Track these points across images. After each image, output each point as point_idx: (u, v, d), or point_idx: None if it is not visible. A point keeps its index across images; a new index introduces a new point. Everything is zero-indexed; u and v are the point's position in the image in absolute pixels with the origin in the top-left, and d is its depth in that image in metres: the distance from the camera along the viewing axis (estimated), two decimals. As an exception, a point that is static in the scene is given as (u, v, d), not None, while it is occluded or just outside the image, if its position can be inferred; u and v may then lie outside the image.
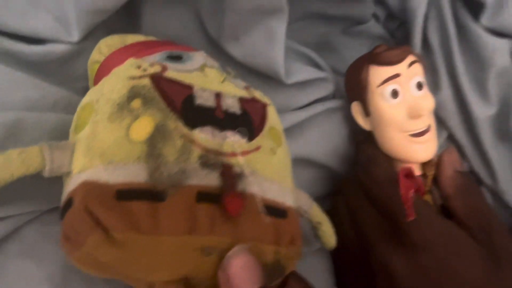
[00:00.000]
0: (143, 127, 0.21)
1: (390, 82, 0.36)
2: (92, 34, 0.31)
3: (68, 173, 0.21)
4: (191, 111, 0.23)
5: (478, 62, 0.42)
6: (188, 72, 0.26)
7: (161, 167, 0.21)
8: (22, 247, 0.25)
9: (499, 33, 0.42)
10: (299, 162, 0.37)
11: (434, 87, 0.43)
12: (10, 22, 0.28)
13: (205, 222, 0.21)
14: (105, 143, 0.20)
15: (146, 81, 0.23)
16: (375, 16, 0.49)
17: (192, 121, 0.23)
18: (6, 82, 0.27)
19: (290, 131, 0.37)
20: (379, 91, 0.36)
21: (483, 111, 0.42)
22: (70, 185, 0.20)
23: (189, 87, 0.24)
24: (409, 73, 0.36)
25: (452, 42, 0.42)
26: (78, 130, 0.22)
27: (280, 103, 0.35)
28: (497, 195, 0.45)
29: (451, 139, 0.44)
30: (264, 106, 0.28)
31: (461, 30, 0.43)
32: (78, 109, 0.23)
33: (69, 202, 0.20)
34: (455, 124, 0.43)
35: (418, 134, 0.35)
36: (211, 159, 0.22)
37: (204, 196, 0.21)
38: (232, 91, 0.27)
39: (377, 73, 0.36)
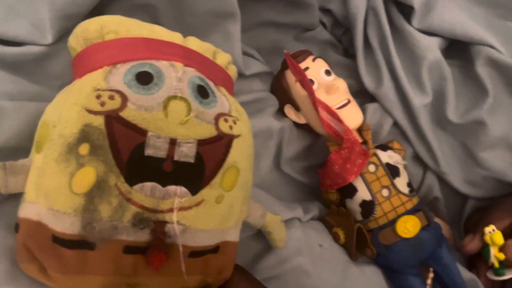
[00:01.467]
0: (84, 180, 0.23)
1: None
2: (65, 37, 0.34)
3: (22, 194, 0.24)
4: (137, 164, 0.23)
5: (413, 58, 0.48)
6: (149, 110, 0.24)
7: (94, 223, 0.23)
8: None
9: (429, 33, 0.48)
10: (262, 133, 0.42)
11: (378, 81, 0.49)
12: (-9, 27, 0.32)
13: (129, 267, 0.24)
14: (50, 186, 0.23)
15: (100, 121, 0.23)
16: (323, 24, 0.54)
17: (135, 176, 0.23)
18: (-13, 79, 0.31)
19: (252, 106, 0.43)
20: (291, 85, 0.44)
21: (420, 100, 0.47)
22: (21, 209, 0.24)
23: (142, 133, 0.24)
24: (315, 65, 0.44)
25: (389, 42, 0.48)
26: (37, 149, 0.25)
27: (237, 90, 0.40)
28: (441, 176, 0.50)
29: (396, 126, 0.49)
30: (229, 142, 0.27)
31: (397, 31, 0.49)
32: (40, 123, 0.26)
33: (17, 227, 0.24)
34: (398, 113, 0.48)
35: (341, 107, 0.43)
36: (145, 218, 0.24)
37: (131, 249, 0.24)
38: (193, 133, 0.25)
39: (291, 74, 0.44)
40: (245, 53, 0.45)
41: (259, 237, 0.36)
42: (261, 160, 0.43)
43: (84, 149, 0.23)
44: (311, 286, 0.36)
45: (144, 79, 0.25)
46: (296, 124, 0.46)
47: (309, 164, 0.47)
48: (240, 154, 0.28)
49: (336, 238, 0.42)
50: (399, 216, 0.40)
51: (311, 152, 0.47)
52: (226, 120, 0.27)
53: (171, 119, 0.25)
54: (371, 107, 0.49)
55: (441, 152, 0.49)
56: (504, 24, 0.50)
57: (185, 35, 0.31)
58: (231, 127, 0.27)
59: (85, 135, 0.23)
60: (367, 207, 0.41)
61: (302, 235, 0.38)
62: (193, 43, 0.30)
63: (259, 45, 0.49)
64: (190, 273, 0.26)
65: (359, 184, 0.41)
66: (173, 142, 0.24)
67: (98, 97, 0.24)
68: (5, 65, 0.32)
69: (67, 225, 0.22)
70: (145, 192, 0.24)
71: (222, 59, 0.32)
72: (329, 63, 0.46)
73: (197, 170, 0.25)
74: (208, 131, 0.26)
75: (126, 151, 0.23)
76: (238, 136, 0.28)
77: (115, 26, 0.28)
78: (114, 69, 0.26)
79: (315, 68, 0.44)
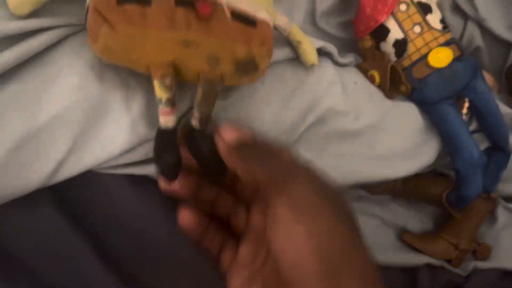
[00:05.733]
0: None
1: None
2: None
3: None
4: None
5: None
6: None
7: None
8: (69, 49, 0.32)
9: None
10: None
11: None
12: None
13: (182, 21, 0.28)
14: None
15: None
16: None
17: None
18: None
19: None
20: None
21: None
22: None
23: None
24: None
25: None
26: None
27: None
28: (482, 24, 0.49)
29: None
30: None
31: None
32: None
33: (87, 9, 0.28)
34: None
35: None
36: None
37: (181, 1, 0.28)
38: None
39: None
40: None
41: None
42: (294, 12, 0.45)
43: None
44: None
45: None
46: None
47: (344, 19, 0.48)
48: None
49: (371, 79, 0.44)
50: (431, 50, 0.41)
51: (346, 6, 0.48)
52: None
53: None
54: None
55: (481, -3, 0.48)
56: None
57: None
58: None
59: None
60: (400, 45, 0.42)
61: (335, 71, 0.40)
62: None
63: None
64: (235, 38, 0.29)
65: (391, 24, 0.42)
66: None
67: None
68: None
69: None
70: None
71: None
72: None
73: None
74: None
75: None
76: None
77: None
78: None
79: None
